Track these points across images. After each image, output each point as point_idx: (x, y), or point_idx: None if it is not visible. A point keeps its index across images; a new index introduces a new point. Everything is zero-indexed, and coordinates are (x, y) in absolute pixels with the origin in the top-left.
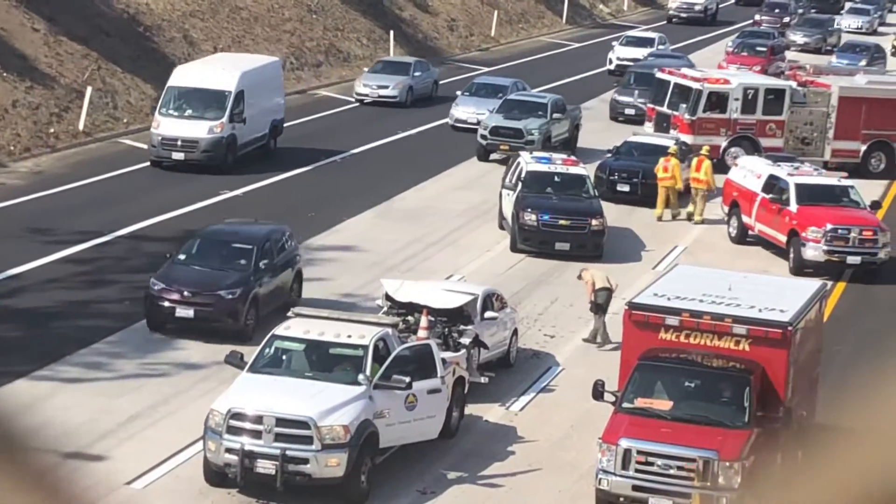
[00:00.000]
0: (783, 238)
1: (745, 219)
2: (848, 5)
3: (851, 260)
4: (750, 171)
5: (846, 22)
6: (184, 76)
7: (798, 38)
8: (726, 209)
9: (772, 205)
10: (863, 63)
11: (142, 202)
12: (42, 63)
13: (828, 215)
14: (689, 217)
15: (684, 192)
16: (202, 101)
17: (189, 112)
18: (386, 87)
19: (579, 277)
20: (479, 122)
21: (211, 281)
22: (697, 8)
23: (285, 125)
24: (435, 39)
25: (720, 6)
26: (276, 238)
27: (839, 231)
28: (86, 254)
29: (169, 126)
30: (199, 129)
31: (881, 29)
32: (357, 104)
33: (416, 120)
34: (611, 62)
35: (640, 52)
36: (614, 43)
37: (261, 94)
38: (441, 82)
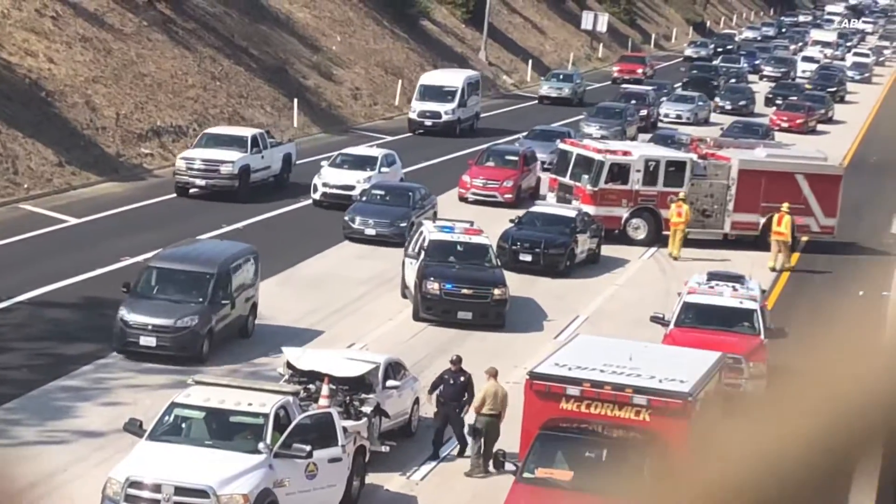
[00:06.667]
0: None
1: None
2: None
3: None
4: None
5: (664, 110)
6: None
7: (593, 129)
8: None
9: (661, 326)
10: None
11: (42, 268)
12: None
13: (688, 338)
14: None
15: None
16: None
17: None
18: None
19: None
20: None
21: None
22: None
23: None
24: (339, 108)
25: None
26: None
27: None
28: None
29: None
30: None
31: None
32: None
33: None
34: (315, 189)
35: (355, 177)
36: (323, 163)
37: None
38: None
